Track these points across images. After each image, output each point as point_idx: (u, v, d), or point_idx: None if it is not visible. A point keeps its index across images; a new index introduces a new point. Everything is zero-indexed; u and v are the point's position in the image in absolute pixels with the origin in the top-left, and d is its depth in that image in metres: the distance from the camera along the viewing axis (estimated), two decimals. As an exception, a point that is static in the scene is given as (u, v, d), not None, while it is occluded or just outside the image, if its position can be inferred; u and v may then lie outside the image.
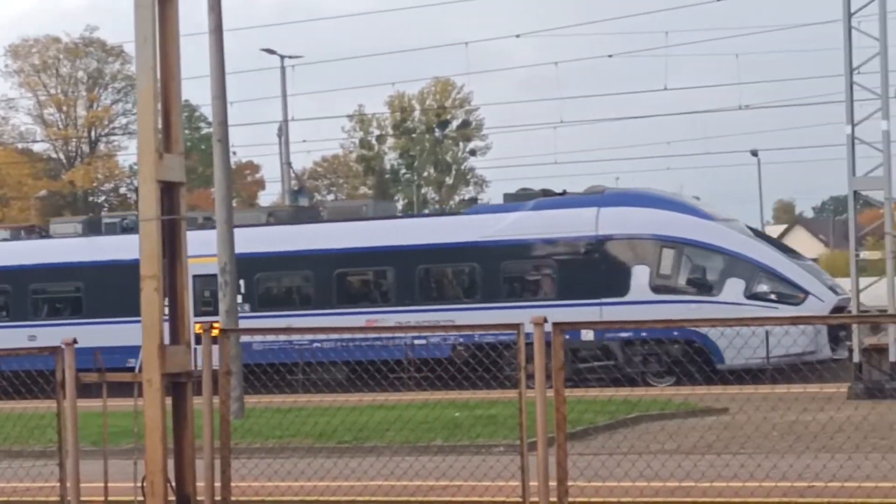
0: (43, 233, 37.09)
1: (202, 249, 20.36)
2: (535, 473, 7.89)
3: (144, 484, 8.65)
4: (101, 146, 53.89)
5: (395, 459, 13.88)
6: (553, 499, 8.07)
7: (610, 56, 45.22)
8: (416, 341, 28.46)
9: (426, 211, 35.63)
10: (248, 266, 28.14)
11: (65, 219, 40.31)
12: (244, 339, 23.59)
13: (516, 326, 8.18)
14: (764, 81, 68.69)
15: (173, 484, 8.76)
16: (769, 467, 11.31)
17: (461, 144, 56.87)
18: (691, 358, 27.43)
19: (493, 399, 20.08)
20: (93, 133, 53.75)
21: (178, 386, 8.70)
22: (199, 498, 9.08)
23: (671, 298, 28.42)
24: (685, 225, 28.86)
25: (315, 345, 28.78)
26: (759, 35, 68.32)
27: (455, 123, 55.64)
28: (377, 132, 56.33)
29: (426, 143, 56.09)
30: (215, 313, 22.12)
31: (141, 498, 8.75)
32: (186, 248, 8.68)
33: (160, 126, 8.51)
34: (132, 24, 7.99)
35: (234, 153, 30.92)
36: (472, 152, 57.64)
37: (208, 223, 29.01)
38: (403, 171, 56.76)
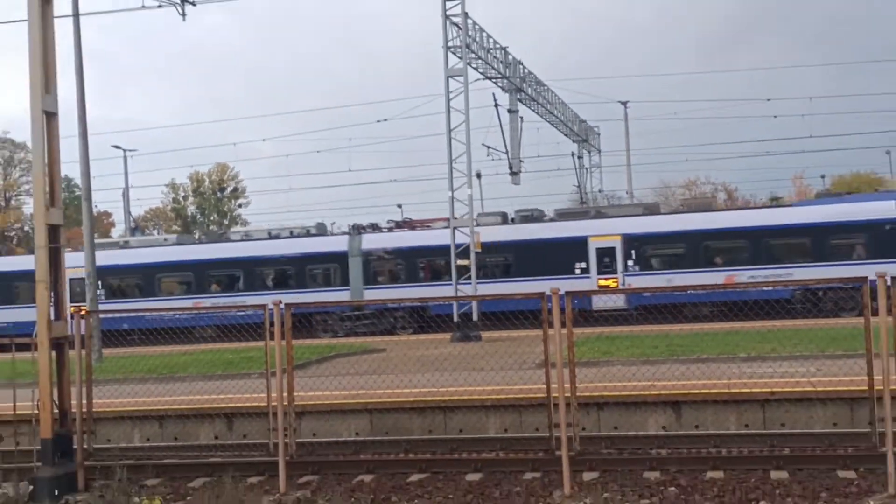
0: None
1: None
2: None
3: (39, 403, 11.97)
4: (13, 202, 77.52)
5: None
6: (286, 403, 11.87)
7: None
8: None
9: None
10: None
11: None
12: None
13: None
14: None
15: (56, 403, 12.19)
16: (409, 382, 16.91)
17: (233, 202, 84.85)
18: None
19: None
20: (7, 194, 78.20)
21: (60, 345, 12.34)
22: (73, 411, 12.46)
23: None
24: None
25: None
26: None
27: (229, 189, 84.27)
28: (182, 194, 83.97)
29: (212, 200, 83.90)
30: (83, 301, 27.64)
31: (37, 411, 12.06)
32: (64, 263, 12.73)
33: (47, 190, 12.42)
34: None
35: (96, 206, 40.53)
36: (239, 205, 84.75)
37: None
38: (199, 217, 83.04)
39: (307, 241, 42.52)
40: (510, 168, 41.50)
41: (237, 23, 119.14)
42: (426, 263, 39.70)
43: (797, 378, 15.71)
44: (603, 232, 37.68)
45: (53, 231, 12.52)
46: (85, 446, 12.69)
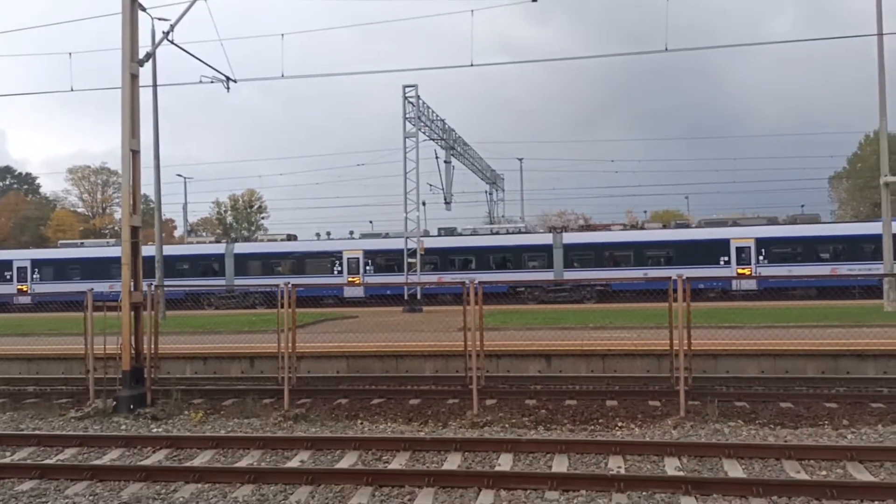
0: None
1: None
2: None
3: (121, 346, 12.07)
4: (107, 211, 75.39)
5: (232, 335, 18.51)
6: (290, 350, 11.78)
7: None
8: None
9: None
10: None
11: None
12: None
13: None
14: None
15: (133, 346, 12.23)
16: (373, 338, 16.80)
17: (258, 215, 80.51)
18: None
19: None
20: (103, 205, 77.06)
21: (136, 307, 12.31)
22: (144, 352, 12.41)
23: None
24: None
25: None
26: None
27: (255, 206, 79.75)
28: (224, 209, 79.80)
29: (244, 213, 79.99)
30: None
31: (120, 352, 12.06)
32: (141, 253, 12.72)
33: (131, 203, 12.45)
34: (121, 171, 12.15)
35: (164, 215, 38.73)
36: (263, 218, 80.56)
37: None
38: (235, 224, 78.58)
39: (524, 236, 40.06)
40: (445, 199, 41.57)
41: (265, 95, 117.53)
42: (609, 254, 37.38)
43: (625, 340, 16.01)
44: (741, 235, 36.21)
45: (134, 231, 12.37)
46: (152, 376, 12.58)
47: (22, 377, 16.10)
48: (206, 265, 40.60)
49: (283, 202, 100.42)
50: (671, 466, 8.21)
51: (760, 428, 9.90)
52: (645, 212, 65.83)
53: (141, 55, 12.53)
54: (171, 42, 14.20)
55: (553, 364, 14.92)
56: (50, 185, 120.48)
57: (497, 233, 41.28)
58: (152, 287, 12.95)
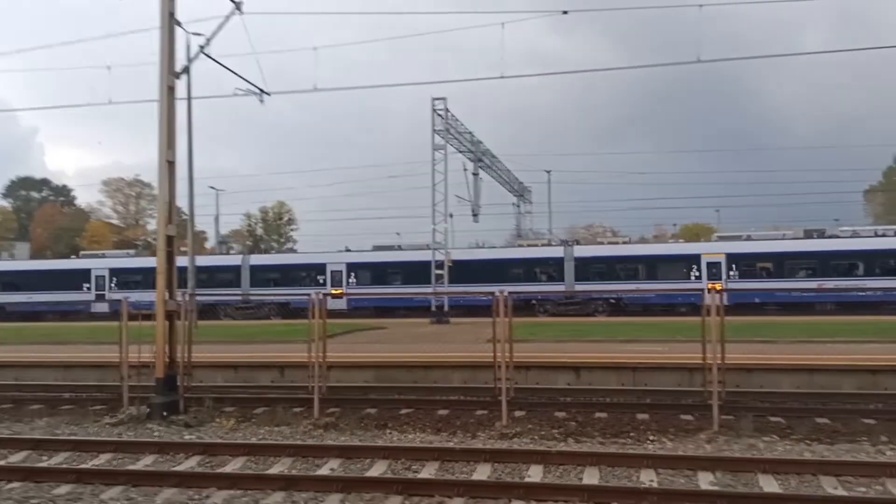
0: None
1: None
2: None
3: (156, 354, 12.26)
4: (140, 222, 76.08)
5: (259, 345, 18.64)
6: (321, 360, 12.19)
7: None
8: None
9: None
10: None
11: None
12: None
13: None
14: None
15: (167, 354, 12.36)
16: (402, 349, 16.75)
17: (287, 227, 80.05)
18: None
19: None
20: (136, 217, 77.89)
21: (171, 315, 12.42)
22: (178, 360, 12.59)
23: None
24: None
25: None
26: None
27: (285, 219, 79.17)
28: (254, 221, 78.97)
29: (273, 226, 79.53)
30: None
31: (154, 359, 12.25)
32: (175, 261, 12.89)
33: (167, 213, 12.72)
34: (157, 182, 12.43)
35: (196, 226, 38.54)
36: (292, 230, 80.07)
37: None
38: (265, 236, 78.64)
39: (534, 249, 40.18)
40: (472, 212, 41.61)
41: (297, 107, 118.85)
42: (623, 266, 37.33)
43: (655, 354, 15.85)
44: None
45: (169, 240, 12.55)
46: (185, 384, 12.71)
47: (58, 384, 16.36)
48: (224, 277, 41.11)
49: (314, 213, 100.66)
50: (705, 481, 8.09)
51: (796, 443, 9.73)
52: (674, 225, 65.41)
53: (177, 68, 12.79)
54: (207, 56, 14.48)
55: (582, 376, 14.82)
56: (85, 196, 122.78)
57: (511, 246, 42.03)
58: (186, 296, 13.10)
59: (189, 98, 25.45)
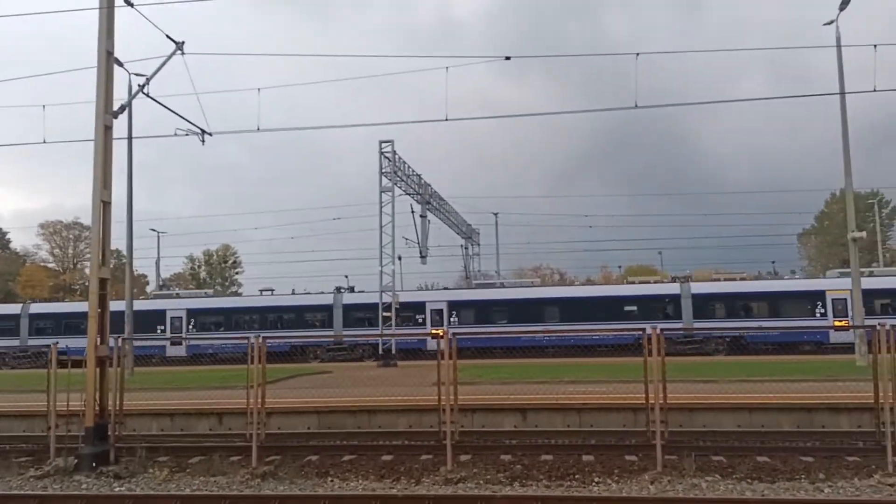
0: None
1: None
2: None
3: (85, 402, 11.76)
4: (78, 266, 74.48)
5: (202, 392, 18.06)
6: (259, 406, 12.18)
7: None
8: None
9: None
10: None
11: None
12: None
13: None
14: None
15: (98, 402, 11.95)
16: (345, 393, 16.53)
17: (232, 270, 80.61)
18: None
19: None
20: (75, 260, 76.34)
21: (103, 361, 12.01)
22: (109, 408, 12.12)
23: None
24: None
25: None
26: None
27: (230, 262, 79.75)
28: (197, 264, 79.81)
29: (218, 269, 79.86)
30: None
31: (83, 408, 11.75)
32: (109, 306, 12.47)
33: (101, 254, 12.32)
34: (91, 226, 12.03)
35: (136, 269, 37.49)
36: (237, 273, 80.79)
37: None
38: (208, 280, 78.15)
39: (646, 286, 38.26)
40: (420, 253, 41.66)
41: (242, 148, 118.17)
42: (743, 303, 35.86)
43: (599, 394, 15.87)
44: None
45: (103, 283, 12.14)
46: (116, 433, 12.17)
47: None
48: (314, 316, 39.33)
49: (258, 256, 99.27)
50: (648, 522, 8.05)
51: (738, 482, 9.81)
52: (619, 266, 66.68)
53: (116, 107, 12.55)
54: (147, 95, 14.26)
55: (529, 418, 14.73)
56: (21, 239, 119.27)
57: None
58: (119, 341, 12.63)
59: (130, 138, 25.00)
